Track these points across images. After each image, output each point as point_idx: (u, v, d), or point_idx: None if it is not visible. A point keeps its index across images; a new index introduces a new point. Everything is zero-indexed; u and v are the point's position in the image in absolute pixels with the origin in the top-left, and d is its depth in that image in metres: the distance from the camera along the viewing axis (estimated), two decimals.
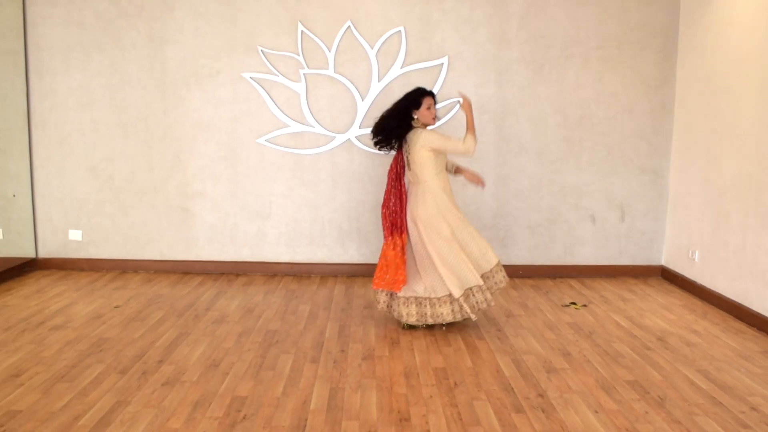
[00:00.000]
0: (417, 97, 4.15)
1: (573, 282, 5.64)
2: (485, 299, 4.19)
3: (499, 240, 5.77)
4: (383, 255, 4.23)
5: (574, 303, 5.01)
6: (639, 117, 5.63)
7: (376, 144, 4.25)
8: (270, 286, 5.46)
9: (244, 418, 3.07)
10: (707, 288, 5.08)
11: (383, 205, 4.28)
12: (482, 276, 4.23)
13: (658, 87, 5.61)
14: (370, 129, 4.32)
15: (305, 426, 3.00)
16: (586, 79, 5.60)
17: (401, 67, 5.56)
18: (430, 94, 4.16)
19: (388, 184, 4.27)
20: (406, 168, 4.24)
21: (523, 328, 4.42)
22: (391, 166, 4.27)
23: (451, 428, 2.99)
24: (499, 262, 4.31)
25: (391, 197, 4.22)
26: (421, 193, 4.16)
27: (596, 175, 5.70)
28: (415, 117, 4.17)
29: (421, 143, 4.10)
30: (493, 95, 5.61)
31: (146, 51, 5.59)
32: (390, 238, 4.19)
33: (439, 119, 4.47)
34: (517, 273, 5.75)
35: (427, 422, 3.04)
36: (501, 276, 4.31)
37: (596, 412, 3.18)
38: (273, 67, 5.59)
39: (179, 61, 5.58)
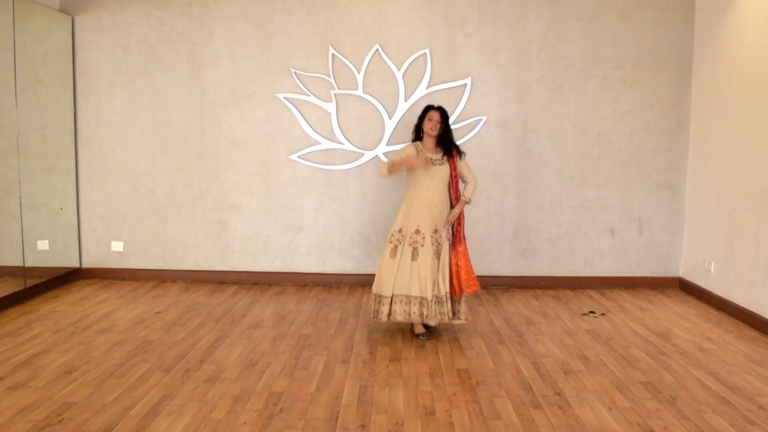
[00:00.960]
0: (424, 113, 4.54)
1: (592, 293, 5.82)
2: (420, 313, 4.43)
3: (521, 252, 5.98)
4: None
5: (592, 312, 5.21)
6: (655, 134, 5.83)
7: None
8: (301, 295, 5.69)
9: (281, 410, 3.33)
10: (723, 298, 5.33)
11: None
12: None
13: (674, 105, 5.82)
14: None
15: (338, 418, 3.25)
16: (604, 98, 5.82)
17: (426, 88, 5.83)
18: (431, 108, 4.51)
19: None
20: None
21: (543, 335, 4.67)
22: None
23: (473, 421, 3.23)
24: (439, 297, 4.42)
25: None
26: None
27: (614, 189, 5.87)
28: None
29: None
30: (514, 114, 5.85)
31: (186, 73, 5.93)
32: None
33: (448, 137, 4.58)
34: (538, 284, 5.95)
35: (450, 416, 3.29)
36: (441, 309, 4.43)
37: (610, 409, 3.41)
38: (305, 87, 5.87)
39: (217, 82, 5.90)
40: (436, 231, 4.40)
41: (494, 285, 6.01)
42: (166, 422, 3.21)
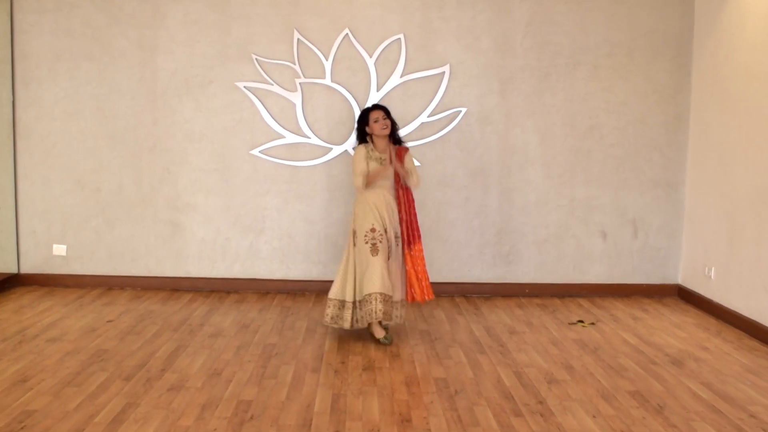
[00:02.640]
0: (364, 116, 4.81)
1: (582, 301, 5.85)
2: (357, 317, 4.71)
3: (504, 257, 5.98)
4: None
5: (581, 321, 5.23)
6: (652, 127, 5.86)
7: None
8: (263, 303, 5.68)
9: (251, 418, 3.42)
10: (723, 306, 5.31)
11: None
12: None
13: (672, 96, 5.84)
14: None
15: (311, 425, 3.34)
16: (595, 87, 5.84)
17: (401, 76, 5.82)
18: (371, 109, 4.79)
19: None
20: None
21: (527, 344, 4.68)
22: None
23: (451, 429, 3.32)
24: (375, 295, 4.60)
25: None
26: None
27: (607, 188, 5.91)
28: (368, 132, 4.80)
29: None
30: (496, 105, 5.86)
31: (136, 59, 5.86)
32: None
33: (396, 132, 4.89)
34: (523, 291, 5.96)
35: (428, 423, 3.37)
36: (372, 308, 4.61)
37: (594, 417, 3.47)
38: (268, 76, 5.83)
39: (170, 70, 5.85)
40: (388, 231, 4.69)
41: (474, 293, 6.01)
42: (133, 428, 3.30)
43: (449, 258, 5.96)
